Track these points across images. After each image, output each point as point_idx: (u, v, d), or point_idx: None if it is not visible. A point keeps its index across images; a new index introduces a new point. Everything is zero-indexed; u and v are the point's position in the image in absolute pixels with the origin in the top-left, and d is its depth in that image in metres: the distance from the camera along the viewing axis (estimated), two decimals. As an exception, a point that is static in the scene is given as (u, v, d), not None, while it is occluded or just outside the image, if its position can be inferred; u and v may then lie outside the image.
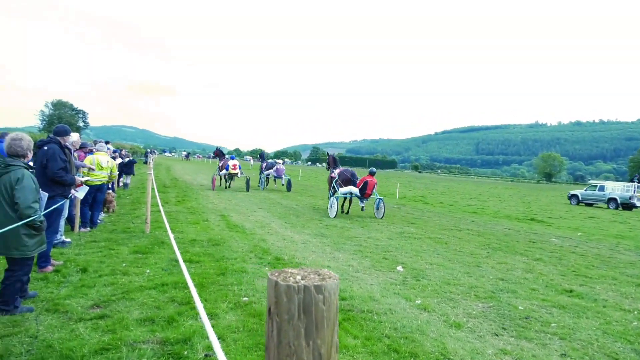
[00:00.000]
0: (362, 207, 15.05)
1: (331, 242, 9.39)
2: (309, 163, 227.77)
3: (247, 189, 21.82)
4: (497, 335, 4.71)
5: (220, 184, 23.66)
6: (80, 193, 7.47)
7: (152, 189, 10.08)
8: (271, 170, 24.47)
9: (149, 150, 65.60)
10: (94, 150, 9.90)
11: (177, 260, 6.70)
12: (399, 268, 7.37)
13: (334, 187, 15.23)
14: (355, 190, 14.53)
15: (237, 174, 22.31)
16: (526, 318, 5.26)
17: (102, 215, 10.49)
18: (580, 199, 31.61)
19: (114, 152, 15.65)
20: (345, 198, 15.34)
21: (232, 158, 23.04)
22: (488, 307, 5.59)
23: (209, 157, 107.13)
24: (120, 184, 18.46)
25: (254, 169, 55.61)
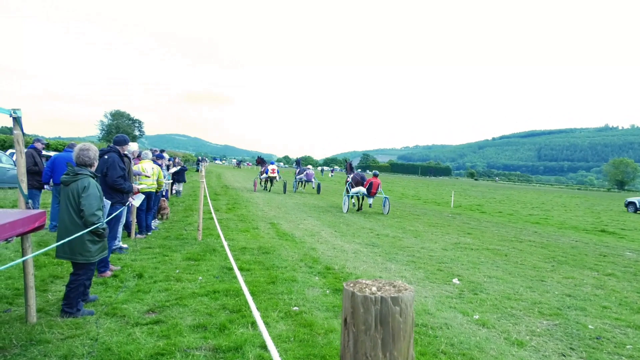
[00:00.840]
0: (370, 204, 18.26)
1: (383, 252, 9.31)
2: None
3: (284, 191, 25.28)
4: (564, 355, 4.47)
5: (263, 187, 27.39)
6: (136, 201, 7.86)
7: (204, 196, 10.43)
8: (302, 175, 28.32)
9: (200, 157, 68.01)
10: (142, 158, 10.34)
11: (228, 268, 6.89)
12: (455, 280, 7.19)
13: (347, 187, 18.99)
14: (363, 190, 17.95)
15: (276, 177, 26.04)
16: (597, 338, 4.97)
17: (156, 222, 10.96)
18: (638, 206, 30.11)
19: (169, 160, 16.25)
20: (357, 197, 18.75)
21: (272, 163, 26.79)
22: (554, 325, 5.32)
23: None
24: (173, 191, 19.21)
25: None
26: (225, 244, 5.94)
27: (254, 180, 27.01)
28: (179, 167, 19.41)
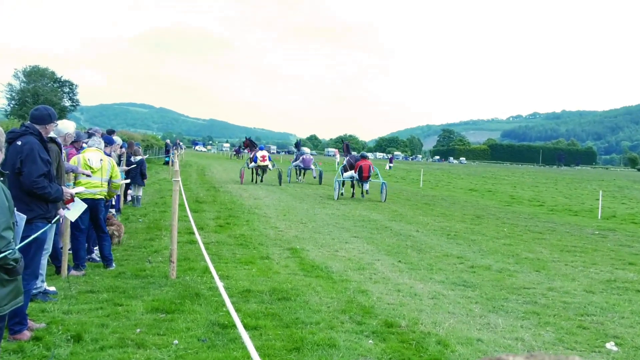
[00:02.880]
0: (366, 189, 26.78)
1: (481, 295, 9.22)
2: (437, 158, 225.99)
3: (280, 183, 32.56)
4: None
5: (252, 179, 33.67)
6: (72, 212, 7.99)
7: (180, 205, 10.52)
8: (298, 162, 36.66)
9: (171, 142, 68.84)
10: (89, 146, 10.46)
11: (222, 325, 6.94)
12: (611, 346, 7.05)
13: (339, 171, 28.24)
14: (355, 175, 26.05)
15: (268, 166, 32.60)
16: None
17: (94, 252, 11.05)
18: None
19: (122, 146, 16.29)
20: (352, 183, 27.35)
21: (262, 148, 33.75)
22: None
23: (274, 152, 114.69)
24: (128, 198, 19.43)
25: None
26: (219, 284, 5.96)
27: (240, 170, 34.59)
28: (138, 159, 19.50)
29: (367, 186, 26.51)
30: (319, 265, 11.03)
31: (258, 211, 19.52)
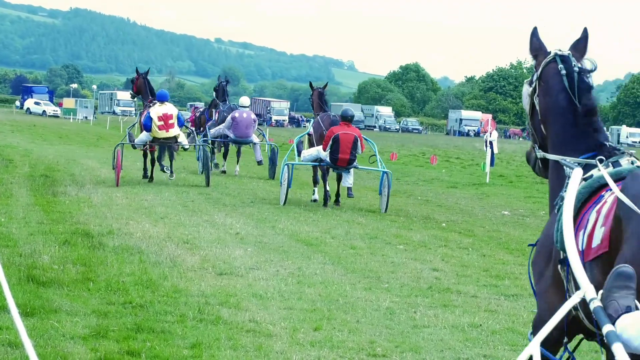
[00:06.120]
0: (349, 185, 24.42)
1: None
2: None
3: (207, 182, 29.70)
4: None
5: (146, 172, 30.44)
6: None
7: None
8: (220, 127, 33.81)
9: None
10: None
11: None
12: None
13: (295, 145, 27.39)
14: (322, 153, 24.06)
15: (175, 139, 29.23)
16: None
17: None
18: None
19: None
20: (324, 171, 25.47)
21: (162, 98, 29.95)
22: None
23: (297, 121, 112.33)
24: None
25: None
26: None
27: (114, 151, 29.65)
28: None
29: (349, 180, 24.19)
30: None
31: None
